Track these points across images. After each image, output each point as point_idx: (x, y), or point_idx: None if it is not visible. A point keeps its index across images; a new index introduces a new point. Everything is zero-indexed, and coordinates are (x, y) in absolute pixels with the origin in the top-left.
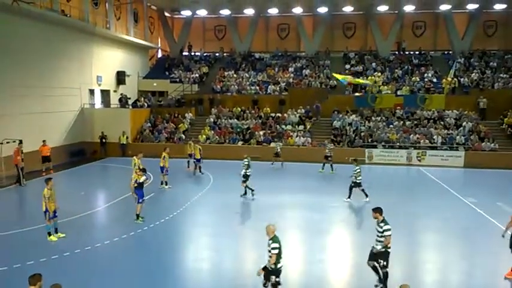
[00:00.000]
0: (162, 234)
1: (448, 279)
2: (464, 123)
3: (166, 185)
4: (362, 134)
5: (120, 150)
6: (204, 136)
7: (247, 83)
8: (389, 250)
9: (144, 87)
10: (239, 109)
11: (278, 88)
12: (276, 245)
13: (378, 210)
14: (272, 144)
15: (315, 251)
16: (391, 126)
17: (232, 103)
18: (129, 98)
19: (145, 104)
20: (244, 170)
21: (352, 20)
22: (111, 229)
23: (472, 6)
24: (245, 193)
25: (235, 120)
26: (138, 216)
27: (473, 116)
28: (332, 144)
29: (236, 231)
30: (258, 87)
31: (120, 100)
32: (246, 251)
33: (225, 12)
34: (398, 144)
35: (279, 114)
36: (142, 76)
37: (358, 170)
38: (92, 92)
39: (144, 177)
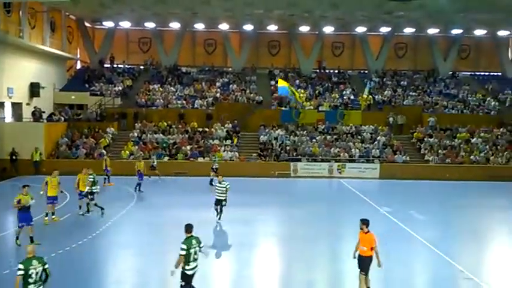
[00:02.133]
0: (79, 258)
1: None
2: (379, 137)
3: (88, 212)
4: (287, 148)
5: (33, 167)
6: (128, 152)
7: (174, 97)
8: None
9: (61, 100)
10: (165, 123)
11: (205, 103)
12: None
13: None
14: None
15: (243, 265)
16: (314, 140)
17: (157, 117)
18: (44, 112)
19: (62, 118)
20: (88, 187)
21: (276, 39)
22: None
23: (385, 30)
24: (88, 211)
25: (161, 135)
26: (31, 239)
27: (387, 130)
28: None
29: (161, 250)
30: (184, 102)
31: (33, 113)
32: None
33: (150, 25)
34: (320, 157)
35: (206, 129)
36: (59, 88)
37: (229, 186)
38: (1, 104)
39: (32, 201)
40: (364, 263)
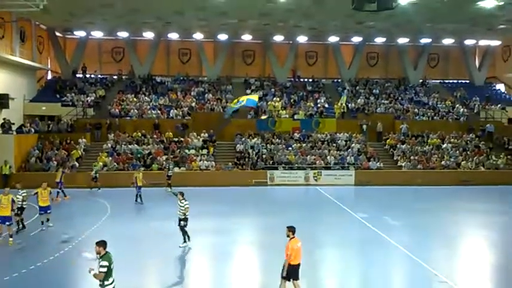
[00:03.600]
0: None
1: None
2: (353, 145)
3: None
4: (264, 156)
5: (2, 181)
6: (101, 163)
7: (148, 107)
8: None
9: (31, 111)
10: (139, 134)
11: (181, 112)
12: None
13: (290, 229)
14: (93, 170)
15: (220, 275)
16: (290, 148)
17: (132, 128)
18: (13, 123)
19: (32, 130)
20: (21, 203)
21: (251, 48)
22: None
23: (356, 39)
24: (23, 227)
25: (136, 145)
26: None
27: (361, 138)
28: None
29: (139, 263)
30: (159, 112)
31: (2, 125)
32: (146, 284)
33: (123, 34)
34: (296, 165)
35: (182, 139)
36: (29, 99)
37: (187, 206)
38: None
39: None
40: (292, 271)
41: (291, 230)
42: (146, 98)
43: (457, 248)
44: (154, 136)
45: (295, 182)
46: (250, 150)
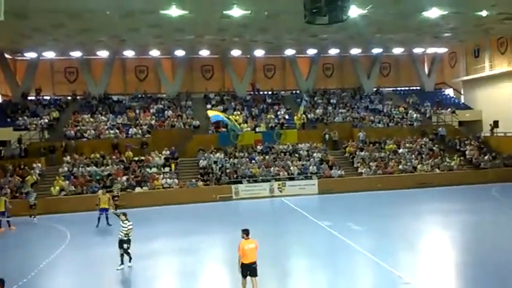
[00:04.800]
0: None
1: None
2: (314, 154)
3: None
4: (227, 170)
5: None
6: (58, 187)
7: (106, 126)
8: None
9: None
10: (97, 155)
11: (140, 131)
12: None
13: (244, 231)
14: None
15: None
16: (253, 161)
17: (89, 149)
18: None
19: None
20: None
21: (209, 63)
22: None
23: (312, 52)
24: None
25: (94, 167)
26: None
27: (322, 147)
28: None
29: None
30: (117, 131)
31: None
32: None
33: (76, 54)
34: (261, 178)
35: (143, 158)
36: None
37: (131, 227)
38: None
39: None
40: (247, 269)
41: (245, 232)
42: (103, 117)
43: (419, 250)
44: (114, 156)
45: (260, 195)
46: (213, 166)
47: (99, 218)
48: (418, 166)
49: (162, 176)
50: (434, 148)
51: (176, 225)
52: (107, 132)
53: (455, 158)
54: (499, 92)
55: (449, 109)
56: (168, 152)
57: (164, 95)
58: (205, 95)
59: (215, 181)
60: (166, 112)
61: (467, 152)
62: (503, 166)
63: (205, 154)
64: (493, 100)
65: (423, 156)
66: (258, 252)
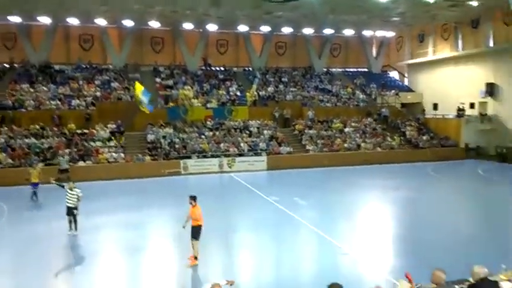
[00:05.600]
0: None
1: (263, 272)
2: (265, 131)
3: None
4: (176, 146)
5: None
6: None
7: (46, 97)
8: None
9: None
10: (37, 127)
11: (84, 102)
12: None
13: (193, 198)
14: None
15: (135, 269)
16: (203, 137)
17: (28, 120)
18: None
19: None
20: None
21: (160, 35)
22: None
23: (265, 29)
24: None
25: (33, 139)
26: None
27: (272, 124)
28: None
29: (46, 263)
30: (59, 102)
31: None
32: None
33: (15, 19)
34: (210, 153)
35: (86, 131)
36: None
37: (81, 194)
38: None
39: None
40: (195, 232)
41: (193, 198)
42: (44, 87)
43: (359, 223)
44: (55, 129)
45: (210, 170)
46: (162, 140)
47: (34, 192)
48: (362, 144)
49: (107, 150)
50: (377, 128)
51: (122, 199)
52: (47, 103)
53: (396, 137)
54: (440, 76)
55: (393, 91)
56: (114, 126)
57: (110, 66)
58: (154, 68)
59: (163, 156)
60: (112, 84)
61: (407, 132)
62: (439, 146)
63: (154, 128)
64: (434, 84)
65: (367, 135)
66: (206, 225)
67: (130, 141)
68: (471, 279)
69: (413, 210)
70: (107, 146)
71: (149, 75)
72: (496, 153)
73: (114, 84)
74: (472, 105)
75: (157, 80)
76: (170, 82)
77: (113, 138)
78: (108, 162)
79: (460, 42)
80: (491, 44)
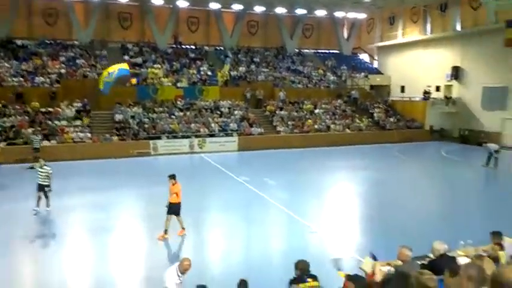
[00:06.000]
0: None
1: (233, 250)
2: (236, 112)
3: None
4: (146, 126)
5: None
6: None
7: (8, 73)
8: None
9: None
10: None
11: (48, 80)
12: None
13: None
14: None
15: (103, 250)
16: (173, 117)
17: None
18: None
19: None
20: None
21: (128, 10)
22: None
23: (237, 7)
24: None
25: None
26: None
27: (243, 105)
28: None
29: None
30: (22, 79)
31: None
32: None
33: None
34: (181, 134)
35: (51, 109)
36: None
37: (51, 172)
38: None
39: None
40: (175, 208)
41: (173, 177)
42: (5, 64)
43: (327, 202)
44: (18, 107)
45: (180, 151)
46: (130, 120)
47: None
48: (332, 126)
49: (73, 129)
50: (347, 110)
51: (89, 180)
52: (9, 80)
53: (364, 119)
54: (408, 59)
55: (362, 73)
56: (79, 104)
57: (76, 42)
58: (122, 45)
59: (132, 136)
60: (78, 61)
61: (375, 114)
62: (406, 128)
63: (122, 108)
64: (402, 66)
65: (337, 116)
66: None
67: (97, 120)
68: (431, 255)
69: (380, 190)
70: (73, 126)
71: (117, 53)
72: (459, 135)
73: (80, 61)
74: (438, 88)
75: (126, 57)
76: (139, 60)
77: (78, 117)
78: (74, 142)
79: (428, 25)
80: (458, 28)
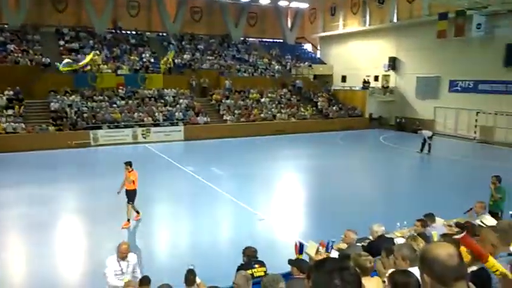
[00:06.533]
0: None
1: (180, 241)
2: (181, 101)
3: None
4: (85, 115)
5: None
6: None
7: None
8: None
9: None
10: None
11: None
12: None
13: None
14: None
15: (42, 246)
16: (115, 105)
17: None
18: None
19: None
20: None
21: None
22: None
23: None
24: None
25: None
26: None
27: (188, 93)
28: None
29: None
30: None
31: None
32: None
33: None
34: (123, 123)
35: None
36: None
37: None
38: None
39: None
40: (130, 195)
41: (129, 164)
42: None
43: (273, 190)
44: None
45: (123, 141)
46: (68, 109)
47: None
48: (277, 115)
49: (5, 119)
50: (291, 99)
51: (24, 173)
52: None
53: (308, 108)
54: (349, 50)
55: (306, 63)
56: (11, 92)
57: (6, 26)
58: (57, 30)
59: (70, 126)
60: (8, 46)
61: (318, 103)
62: (347, 116)
63: (58, 96)
64: (343, 57)
65: (282, 105)
66: (122, 198)
67: (31, 110)
68: (371, 237)
69: (323, 176)
70: (5, 115)
71: (51, 37)
72: (396, 122)
73: (11, 47)
74: (376, 78)
75: (61, 42)
76: (75, 45)
77: (10, 106)
78: (6, 133)
79: (367, 17)
80: (395, 20)
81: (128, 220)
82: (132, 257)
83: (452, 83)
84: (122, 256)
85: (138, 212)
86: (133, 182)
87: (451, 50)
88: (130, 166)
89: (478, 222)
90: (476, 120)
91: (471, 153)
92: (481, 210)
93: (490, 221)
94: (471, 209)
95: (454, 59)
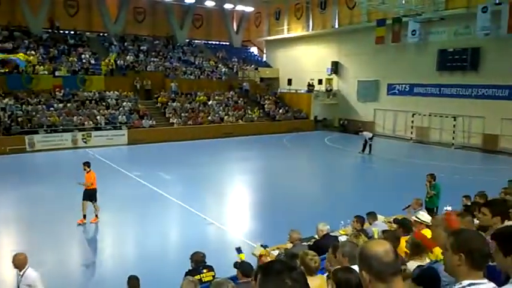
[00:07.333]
0: None
1: (126, 248)
2: (124, 103)
3: None
4: (19, 119)
5: None
6: None
7: None
8: None
9: None
10: None
11: None
12: None
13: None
14: None
15: None
16: (52, 109)
17: None
18: None
19: None
20: None
21: None
22: None
23: None
24: None
25: None
26: None
27: (132, 96)
28: None
29: None
30: None
31: None
32: None
33: None
34: (61, 127)
35: None
36: None
37: None
38: None
39: None
40: (90, 193)
41: (87, 164)
42: None
43: (222, 194)
44: None
45: (62, 146)
46: (0, 113)
47: None
48: (225, 117)
49: None
50: (239, 101)
51: None
52: None
53: (255, 110)
54: (294, 54)
55: (253, 66)
56: None
57: None
58: None
59: (3, 131)
60: None
61: (265, 106)
62: (293, 118)
63: None
64: (289, 60)
65: (229, 108)
66: (62, 207)
67: None
68: (316, 236)
69: (271, 178)
70: None
71: None
72: (339, 124)
73: None
74: (320, 81)
75: None
76: (9, 45)
77: None
78: None
79: (310, 22)
80: (336, 25)
81: (84, 216)
82: (29, 274)
83: (390, 86)
84: (16, 267)
85: (96, 216)
86: (93, 182)
87: (389, 55)
88: (88, 167)
89: (413, 218)
90: (412, 122)
91: (408, 153)
92: (417, 207)
93: (425, 216)
94: (409, 205)
95: (391, 63)
